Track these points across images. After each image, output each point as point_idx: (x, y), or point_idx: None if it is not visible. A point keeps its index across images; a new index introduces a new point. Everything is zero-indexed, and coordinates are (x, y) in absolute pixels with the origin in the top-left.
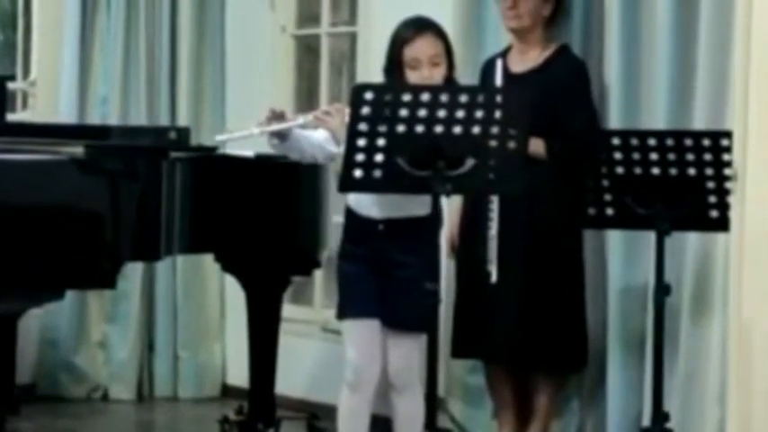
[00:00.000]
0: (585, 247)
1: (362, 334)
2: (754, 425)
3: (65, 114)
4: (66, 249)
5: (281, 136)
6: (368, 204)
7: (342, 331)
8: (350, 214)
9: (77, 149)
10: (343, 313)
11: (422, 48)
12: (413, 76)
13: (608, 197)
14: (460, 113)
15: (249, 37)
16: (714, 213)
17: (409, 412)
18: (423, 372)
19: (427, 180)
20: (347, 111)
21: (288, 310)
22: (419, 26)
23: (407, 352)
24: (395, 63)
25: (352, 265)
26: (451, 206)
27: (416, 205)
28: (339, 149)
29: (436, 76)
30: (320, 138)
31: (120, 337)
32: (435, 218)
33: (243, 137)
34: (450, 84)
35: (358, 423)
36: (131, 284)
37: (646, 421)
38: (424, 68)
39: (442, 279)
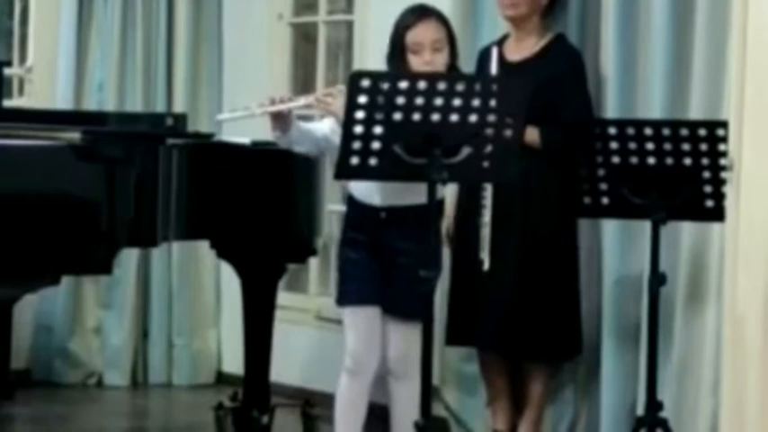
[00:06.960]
0: (581, 235)
1: (362, 321)
2: (748, 415)
3: (61, 100)
4: (63, 235)
5: (283, 127)
6: (370, 192)
7: (338, 318)
8: (352, 202)
9: (74, 135)
10: (343, 300)
11: (424, 32)
12: (415, 61)
13: (603, 186)
14: (457, 102)
15: (246, 24)
16: (709, 203)
17: (407, 399)
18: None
19: (423, 168)
20: None
21: (282, 297)
22: (422, 12)
23: (407, 339)
24: (397, 48)
25: (354, 251)
26: (448, 195)
27: (418, 193)
28: None
29: (438, 61)
30: (325, 129)
31: (114, 324)
32: (436, 206)
33: (243, 116)
34: (452, 71)
35: (356, 410)
36: (126, 271)
37: (640, 410)
38: (426, 53)
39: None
